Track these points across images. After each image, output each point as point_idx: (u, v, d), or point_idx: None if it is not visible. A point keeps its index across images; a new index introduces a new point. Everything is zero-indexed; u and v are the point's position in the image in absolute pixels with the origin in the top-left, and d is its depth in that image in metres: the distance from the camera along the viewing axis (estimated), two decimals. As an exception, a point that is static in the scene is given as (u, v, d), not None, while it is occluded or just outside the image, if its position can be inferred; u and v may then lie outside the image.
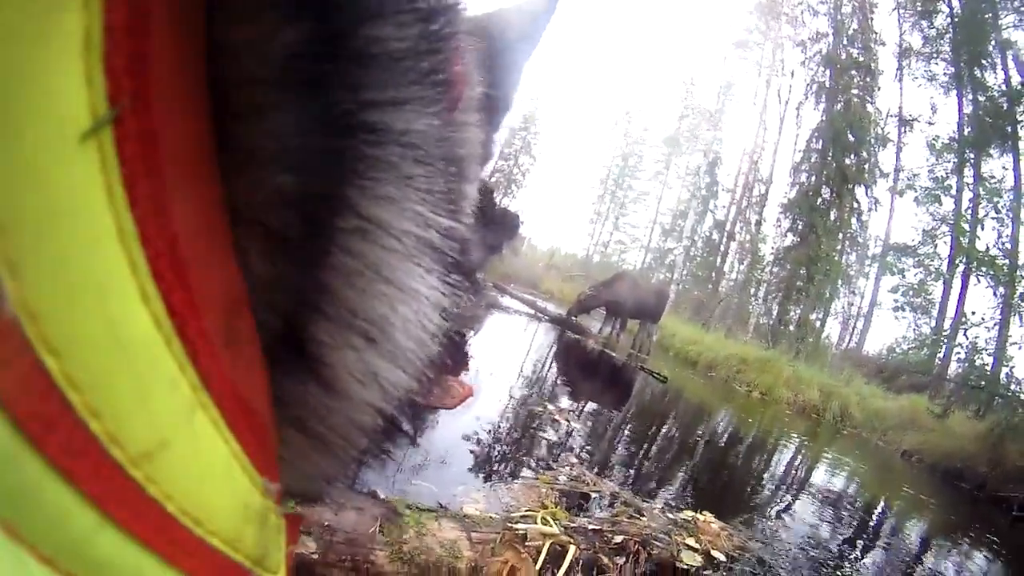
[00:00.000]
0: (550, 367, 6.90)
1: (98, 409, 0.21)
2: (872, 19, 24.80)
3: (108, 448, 0.22)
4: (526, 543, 1.73)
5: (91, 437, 0.21)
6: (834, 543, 3.59)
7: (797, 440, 8.21)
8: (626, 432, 4.95)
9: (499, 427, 3.77)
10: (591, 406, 5.26)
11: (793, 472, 5.78)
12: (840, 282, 24.39)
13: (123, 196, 0.22)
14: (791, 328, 22.81)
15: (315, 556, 1.48)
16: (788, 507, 4.15)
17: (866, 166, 23.91)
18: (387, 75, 0.32)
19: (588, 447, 3.90)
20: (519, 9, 0.62)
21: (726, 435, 6.72)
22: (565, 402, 5.03)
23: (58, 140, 0.21)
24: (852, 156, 23.68)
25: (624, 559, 1.91)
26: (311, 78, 0.29)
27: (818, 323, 23.99)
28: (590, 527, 2.00)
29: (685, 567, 2.09)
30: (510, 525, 1.80)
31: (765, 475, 5.18)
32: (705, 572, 2.17)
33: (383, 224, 0.33)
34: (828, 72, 24.89)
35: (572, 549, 1.75)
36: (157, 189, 0.24)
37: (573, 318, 11.08)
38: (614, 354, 9.81)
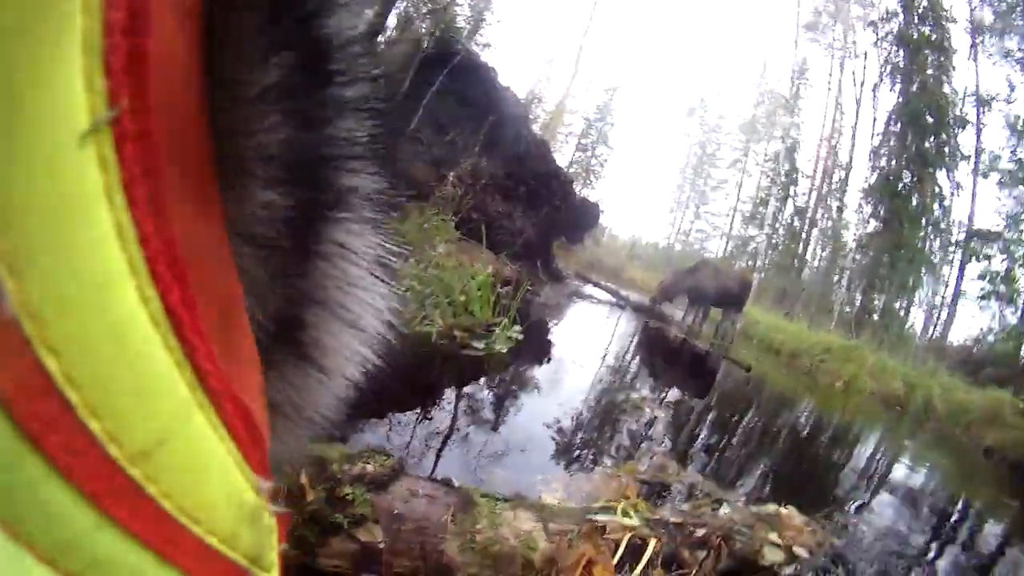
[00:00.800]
0: (633, 355, 6.86)
1: (98, 409, 0.21)
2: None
3: (107, 447, 0.22)
4: (605, 535, 1.69)
5: (91, 437, 0.21)
6: (913, 541, 3.49)
7: (879, 432, 7.99)
8: (708, 421, 4.90)
9: (581, 415, 3.76)
10: (674, 395, 5.20)
11: (874, 466, 5.62)
12: (924, 270, 23.56)
13: (122, 196, 0.22)
14: (874, 317, 21.97)
15: (382, 545, 1.48)
16: (867, 503, 4.03)
17: (946, 148, 23.08)
18: (355, 124, 0.36)
19: (670, 436, 3.84)
20: None
21: (808, 426, 6.57)
22: (647, 391, 4.97)
23: (57, 140, 0.21)
24: (931, 138, 22.93)
25: (705, 554, 1.85)
26: (298, 106, 0.32)
27: (902, 312, 23.35)
28: (671, 520, 1.93)
29: (767, 563, 2.01)
30: (589, 516, 1.75)
31: (846, 468, 5.04)
32: (786, 570, 2.10)
33: (351, 248, 0.40)
34: (902, 52, 24.05)
35: (652, 543, 1.70)
36: (156, 189, 0.24)
37: (657, 305, 10.96)
38: (697, 342, 9.68)
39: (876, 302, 22.96)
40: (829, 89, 27.94)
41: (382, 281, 0.43)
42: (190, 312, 0.25)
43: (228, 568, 0.28)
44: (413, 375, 3.40)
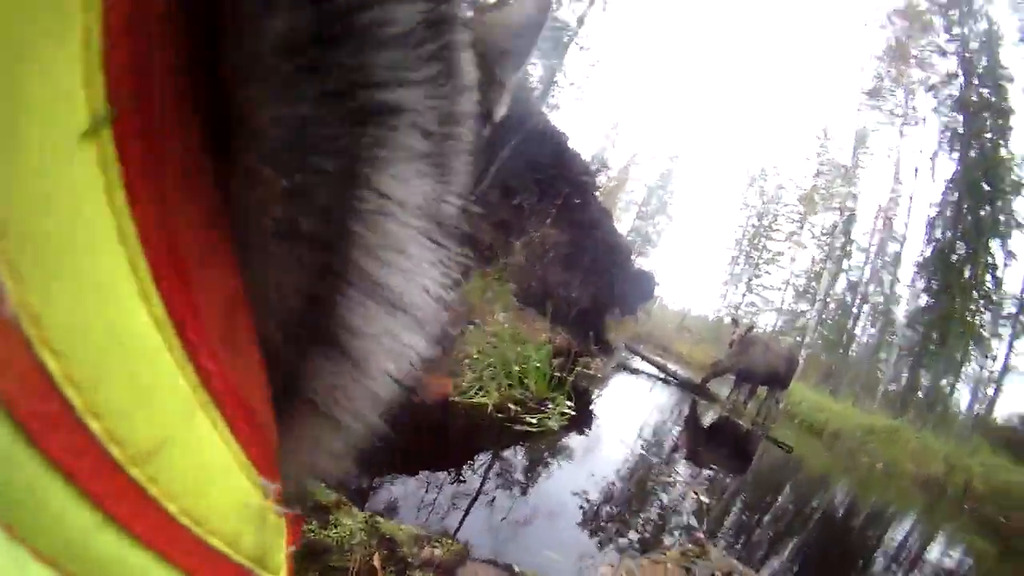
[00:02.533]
0: (674, 430, 6.91)
1: (98, 409, 0.22)
2: (999, 53, 23.19)
3: (108, 448, 0.22)
4: None
5: (91, 437, 0.21)
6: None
7: (914, 515, 7.89)
8: (742, 501, 4.96)
9: (614, 486, 3.87)
10: (709, 473, 5.26)
11: (906, 550, 5.63)
12: (972, 343, 22.50)
13: (123, 196, 0.22)
14: (920, 394, 21.25)
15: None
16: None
17: (1000, 216, 22.20)
18: (390, 56, 0.31)
19: (704, 515, 3.90)
20: (506, 22, 0.54)
21: (842, 509, 6.56)
22: (684, 468, 5.06)
23: (58, 140, 0.21)
24: (987, 206, 22.16)
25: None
26: (314, 63, 0.29)
27: (948, 388, 22.35)
28: None
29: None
30: None
31: (878, 551, 5.09)
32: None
33: (398, 200, 0.33)
34: (961, 117, 23.39)
35: None
36: (157, 189, 0.24)
37: (707, 385, 10.92)
38: (740, 421, 9.69)
39: (923, 379, 22.24)
40: (888, 157, 27.36)
41: (436, 244, 0.37)
42: (192, 312, 0.25)
43: (231, 569, 0.28)
44: (466, 445, 3.54)
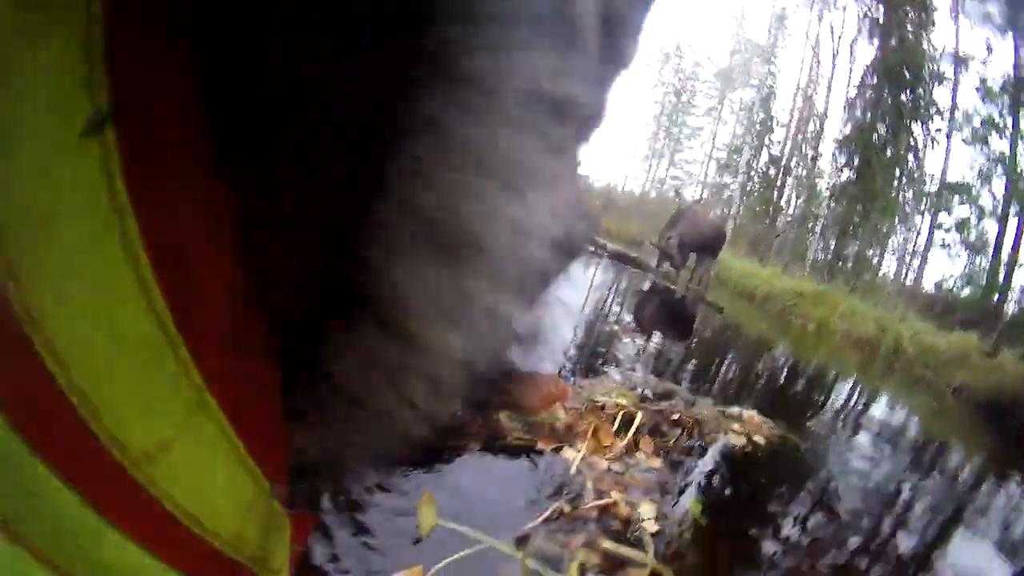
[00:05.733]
0: (614, 302, 7.16)
1: (98, 410, 0.21)
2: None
3: (108, 449, 0.22)
4: (604, 411, 2.33)
5: (91, 438, 0.21)
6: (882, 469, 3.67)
7: (853, 376, 8.23)
8: (688, 359, 5.16)
9: (572, 348, 3.97)
10: (656, 337, 5.42)
11: (851, 408, 5.76)
12: (897, 219, 23.83)
13: (123, 196, 0.22)
14: (848, 264, 22.53)
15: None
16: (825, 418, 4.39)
17: (921, 103, 23.13)
18: None
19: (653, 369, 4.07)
20: None
21: (784, 370, 6.76)
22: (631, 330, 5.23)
23: (59, 140, 0.21)
24: (907, 92, 22.95)
25: (680, 431, 2.49)
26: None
27: (875, 260, 23.73)
28: (653, 408, 2.59)
29: (730, 444, 2.63)
30: (592, 399, 2.38)
31: (824, 410, 5.23)
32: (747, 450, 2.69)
33: (479, 80, 0.25)
34: (881, 8, 23.89)
35: (639, 416, 2.33)
36: (157, 189, 0.23)
37: (668, 267, 11.16)
38: (674, 288, 10.07)
39: (850, 249, 23.26)
40: (807, 39, 27.68)
41: (541, 142, 0.27)
42: (196, 312, 0.25)
43: (232, 569, 0.28)
44: None
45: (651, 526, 1.80)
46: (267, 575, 0.30)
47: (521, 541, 1.59)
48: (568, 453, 2.11)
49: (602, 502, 1.85)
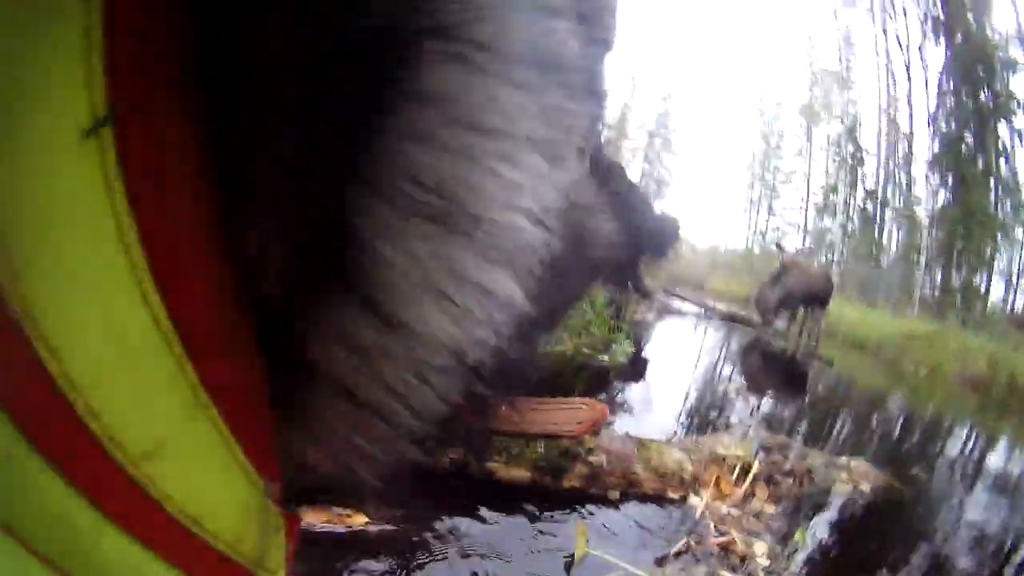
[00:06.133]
0: (725, 364, 7.27)
1: (98, 409, 0.21)
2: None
3: (108, 448, 0.22)
4: (724, 462, 2.76)
5: (91, 437, 0.21)
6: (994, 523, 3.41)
7: (965, 419, 7.57)
8: (803, 421, 5.07)
9: (683, 415, 4.31)
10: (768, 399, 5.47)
11: (967, 459, 5.32)
12: (1000, 235, 21.71)
13: (123, 196, 0.22)
14: (957, 297, 20.95)
15: (601, 466, 2.49)
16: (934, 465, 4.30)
17: (1000, 98, 21.26)
18: None
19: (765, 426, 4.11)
20: None
21: (899, 420, 6.48)
22: (741, 404, 5.16)
23: (58, 140, 0.21)
24: (985, 90, 21.21)
25: (792, 480, 2.87)
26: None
27: (983, 286, 21.59)
28: (768, 460, 2.98)
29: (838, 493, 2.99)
30: (714, 452, 2.80)
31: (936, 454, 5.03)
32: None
33: (482, 44, 0.26)
34: (939, 2, 22.47)
35: (756, 466, 2.75)
36: (157, 189, 0.23)
37: (777, 324, 10.71)
38: (785, 344, 9.92)
39: (955, 280, 21.54)
40: (877, 56, 26.14)
41: (538, 103, 0.27)
42: (192, 312, 0.25)
43: (231, 568, 0.28)
44: (552, 383, 3.87)
45: (763, 562, 2.20)
46: (264, 574, 0.31)
47: (655, 570, 2.03)
48: (693, 500, 2.55)
49: (722, 540, 2.28)
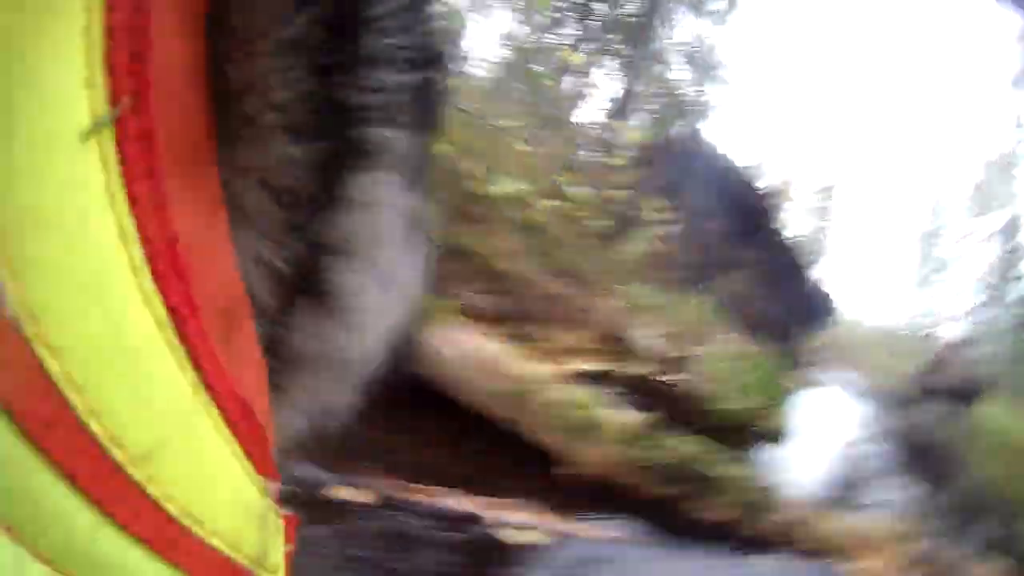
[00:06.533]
0: (875, 445, 7.28)
1: (98, 409, 0.21)
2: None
3: (108, 448, 0.22)
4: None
5: (91, 437, 0.21)
6: None
7: None
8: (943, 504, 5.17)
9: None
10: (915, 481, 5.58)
11: None
12: None
13: (123, 196, 0.22)
14: None
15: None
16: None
17: None
18: (389, 75, 0.32)
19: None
20: None
21: None
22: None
23: (58, 140, 0.21)
24: None
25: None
26: (312, 61, 0.29)
27: None
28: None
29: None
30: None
31: None
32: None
33: (382, 201, 0.35)
34: None
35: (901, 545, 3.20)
36: (157, 189, 0.23)
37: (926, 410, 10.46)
38: (934, 436, 9.12)
39: None
40: None
41: (406, 234, 0.38)
42: (192, 312, 0.25)
43: (231, 569, 0.28)
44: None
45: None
46: (264, 574, 0.31)
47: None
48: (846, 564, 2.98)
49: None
